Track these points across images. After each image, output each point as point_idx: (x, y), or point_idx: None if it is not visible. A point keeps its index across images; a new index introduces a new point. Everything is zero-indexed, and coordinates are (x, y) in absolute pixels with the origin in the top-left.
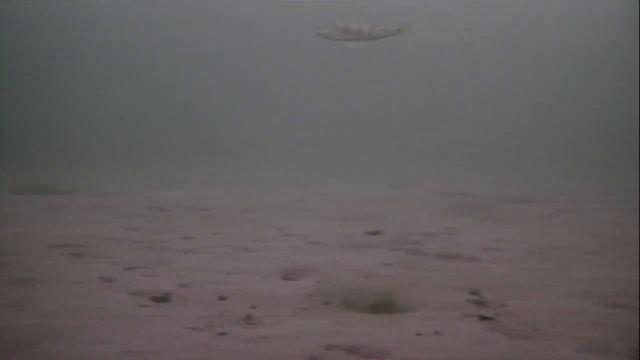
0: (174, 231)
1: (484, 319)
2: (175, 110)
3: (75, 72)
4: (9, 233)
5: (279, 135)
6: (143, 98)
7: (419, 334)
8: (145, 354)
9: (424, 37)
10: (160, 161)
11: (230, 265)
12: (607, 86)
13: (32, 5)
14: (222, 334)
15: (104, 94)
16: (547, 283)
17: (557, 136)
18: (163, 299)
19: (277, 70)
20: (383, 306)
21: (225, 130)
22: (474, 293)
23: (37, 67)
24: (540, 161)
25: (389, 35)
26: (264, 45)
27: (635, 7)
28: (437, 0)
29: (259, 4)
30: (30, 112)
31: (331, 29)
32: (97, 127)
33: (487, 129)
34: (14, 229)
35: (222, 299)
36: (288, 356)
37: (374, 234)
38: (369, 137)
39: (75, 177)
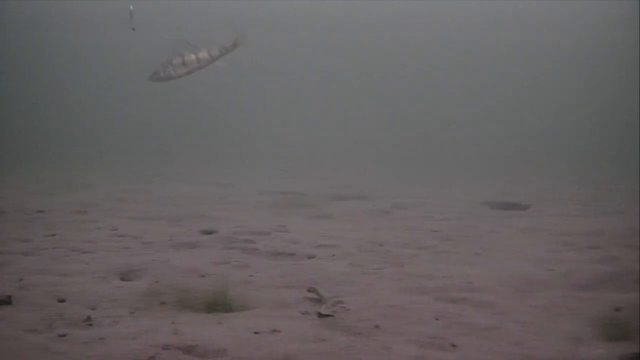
0: (10, 233)
1: (322, 315)
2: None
3: None
4: None
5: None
6: None
7: (256, 332)
8: None
9: (423, 37)
10: None
11: (67, 266)
12: (607, 86)
13: (32, 5)
14: (62, 335)
15: None
16: (383, 279)
17: (557, 136)
18: (5, 301)
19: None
20: (219, 305)
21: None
22: (311, 290)
23: None
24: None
25: (227, 52)
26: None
27: (635, 7)
28: (437, 0)
29: (258, 4)
30: None
31: (167, 69)
32: None
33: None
34: None
35: (61, 300)
36: (126, 356)
37: (208, 232)
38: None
39: None
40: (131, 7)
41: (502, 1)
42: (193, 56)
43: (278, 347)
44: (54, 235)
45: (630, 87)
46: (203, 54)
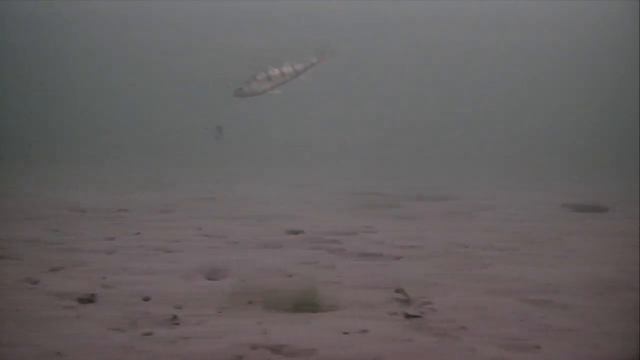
0: (94, 232)
1: (409, 316)
2: (80, 111)
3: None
4: None
5: (180, 136)
6: (45, 97)
7: (344, 332)
8: (70, 355)
9: (423, 37)
10: (70, 162)
11: (152, 265)
12: (607, 86)
13: (33, 5)
14: (148, 334)
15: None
16: (469, 280)
17: (556, 136)
18: (88, 299)
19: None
20: (306, 305)
21: (128, 132)
22: (398, 291)
23: None
24: (455, 160)
25: (311, 66)
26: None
27: (635, 7)
28: (437, 0)
29: (258, 4)
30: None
31: (252, 84)
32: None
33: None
34: None
35: (146, 299)
36: (213, 356)
37: (294, 232)
38: (270, 137)
39: None
40: (219, 126)
41: (502, 1)
42: (277, 71)
43: (367, 347)
44: (138, 234)
45: (630, 87)
46: (287, 69)
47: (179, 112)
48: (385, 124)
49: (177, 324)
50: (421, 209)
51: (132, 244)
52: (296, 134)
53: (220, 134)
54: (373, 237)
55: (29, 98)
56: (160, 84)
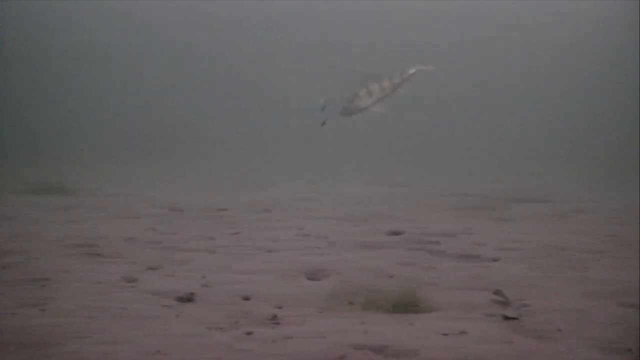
0: (192, 231)
1: (507, 318)
2: (175, 111)
3: (78, 71)
4: (24, 232)
5: (278, 135)
6: (143, 98)
7: (444, 334)
8: (170, 353)
9: (423, 37)
10: (164, 161)
11: (252, 265)
12: (607, 86)
13: (33, 5)
14: (249, 333)
15: (104, 94)
16: (566, 283)
17: (556, 136)
18: (187, 298)
19: (278, 70)
20: (407, 305)
21: (224, 131)
22: (496, 293)
23: (38, 66)
24: (540, 161)
25: (408, 78)
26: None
27: (635, 7)
28: (437, 0)
29: (257, 4)
30: (31, 112)
31: (355, 101)
32: (99, 127)
33: (484, 128)
34: (28, 228)
35: (246, 298)
36: (316, 355)
37: (394, 233)
38: (367, 137)
39: (82, 177)
40: (321, 101)
41: (502, 1)
42: (376, 86)
43: (466, 348)
44: (238, 233)
45: (630, 87)
46: (386, 83)
47: (276, 112)
48: (473, 125)
49: (278, 323)
50: (517, 211)
51: (232, 244)
52: (396, 134)
53: (324, 113)
54: (472, 239)
55: (121, 99)
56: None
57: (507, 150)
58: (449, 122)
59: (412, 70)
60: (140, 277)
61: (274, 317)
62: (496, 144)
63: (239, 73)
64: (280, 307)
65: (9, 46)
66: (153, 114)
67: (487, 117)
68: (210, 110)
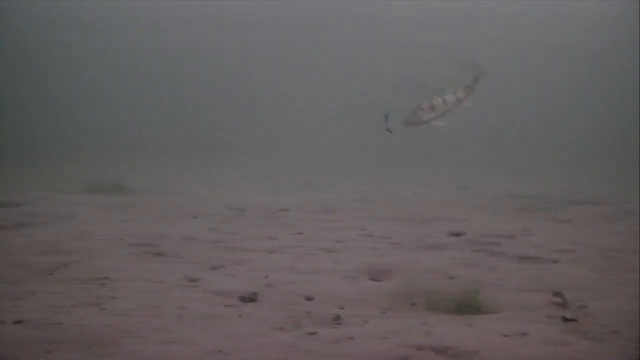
0: (253, 231)
1: (566, 320)
2: (227, 112)
3: (135, 70)
4: (83, 232)
5: (339, 137)
6: (189, 101)
7: (505, 335)
8: (233, 353)
9: (424, 37)
10: (222, 162)
11: (314, 265)
12: (607, 86)
13: (32, 5)
14: (311, 333)
15: (163, 93)
16: (622, 285)
17: (556, 137)
18: (250, 298)
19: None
20: (469, 307)
21: (283, 132)
22: (556, 294)
23: (93, 66)
24: (591, 162)
25: (471, 91)
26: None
27: (635, 7)
28: (437, 0)
29: (258, 4)
30: (89, 113)
31: (418, 114)
32: (154, 126)
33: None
34: (87, 227)
35: (308, 298)
36: (378, 356)
37: (456, 234)
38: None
39: (140, 176)
40: (386, 112)
41: (502, 1)
42: (440, 99)
43: (526, 350)
44: (301, 233)
45: (630, 87)
46: (449, 97)
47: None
48: (536, 126)
49: (340, 324)
50: (573, 213)
51: (294, 244)
52: (457, 136)
53: (387, 121)
54: (531, 240)
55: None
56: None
57: (564, 152)
58: (511, 124)
59: (475, 84)
60: (202, 276)
61: (337, 317)
62: (564, 144)
63: (293, 74)
64: (342, 308)
65: (61, 45)
66: (203, 114)
67: (546, 118)
68: (268, 111)
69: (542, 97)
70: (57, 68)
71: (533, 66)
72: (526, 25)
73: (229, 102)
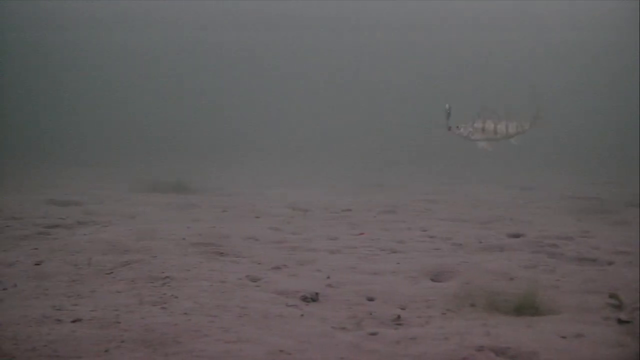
0: (315, 231)
1: (622, 322)
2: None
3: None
4: (147, 230)
5: (398, 137)
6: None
7: (562, 337)
8: (295, 353)
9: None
10: (281, 162)
11: (376, 265)
12: (607, 86)
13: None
14: (373, 334)
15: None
16: None
17: (555, 137)
18: (312, 298)
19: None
20: (528, 308)
21: (341, 132)
22: (612, 296)
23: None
24: None
25: (523, 132)
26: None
27: (635, 7)
28: (437, 1)
29: (258, 4)
30: (145, 112)
31: (467, 129)
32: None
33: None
34: (151, 226)
35: (370, 299)
36: (439, 356)
37: (514, 236)
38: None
39: (201, 176)
40: (447, 106)
41: (502, 1)
42: (493, 126)
43: (583, 352)
44: (364, 233)
45: (630, 87)
46: (501, 127)
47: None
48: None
49: (401, 324)
50: (632, 215)
51: (356, 244)
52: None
53: (450, 120)
54: (589, 242)
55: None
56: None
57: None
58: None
59: (527, 125)
60: (264, 276)
61: (398, 317)
62: (626, 143)
63: (343, 72)
64: (403, 308)
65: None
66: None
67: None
68: (328, 110)
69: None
70: (88, 68)
71: (532, 66)
72: (526, 25)
73: (278, 102)
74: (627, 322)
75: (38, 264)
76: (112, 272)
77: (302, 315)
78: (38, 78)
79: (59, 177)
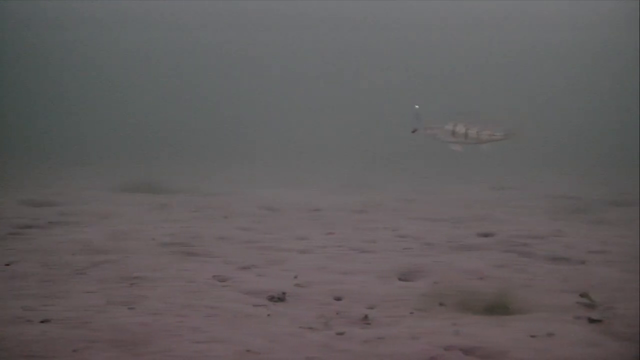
0: (286, 231)
1: (592, 321)
2: (263, 111)
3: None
4: (117, 230)
5: (373, 137)
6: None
7: (532, 336)
8: (262, 352)
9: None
10: (253, 162)
11: (345, 265)
12: (607, 86)
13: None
14: (340, 333)
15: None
16: None
17: (555, 137)
18: (279, 298)
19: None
20: (498, 307)
21: (317, 132)
22: (583, 295)
23: (125, 65)
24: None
25: (494, 140)
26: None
27: (635, 7)
28: (437, 1)
29: (259, 4)
30: (123, 112)
31: (437, 130)
32: (187, 127)
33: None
34: (122, 226)
35: (338, 298)
36: (407, 356)
37: (485, 235)
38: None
39: (174, 176)
40: (416, 107)
41: (503, 1)
42: (463, 130)
43: (553, 351)
44: (333, 233)
45: (630, 87)
46: (472, 132)
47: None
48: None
49: (369, 324)
50: (610, 214)
51: (326, 244)
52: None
53: (418, 121)
54: (562, 241)
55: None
56: None
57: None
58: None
59: (500, 136)
60: (232, 276)
61: (366, 317)
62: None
63: (332, 73)
64: (372, 308)
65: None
66: (242, 115)
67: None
68: (308, 110)
69: (541, 97)
70: (84, 68)
71: (532, 66)
72: (526, 25)
73: (270, 102)
74: (597, 321)
75: (9, 265)
76: (84, 273)
77: (269, 315)
78: (38, 78)
79: (45, 177)
